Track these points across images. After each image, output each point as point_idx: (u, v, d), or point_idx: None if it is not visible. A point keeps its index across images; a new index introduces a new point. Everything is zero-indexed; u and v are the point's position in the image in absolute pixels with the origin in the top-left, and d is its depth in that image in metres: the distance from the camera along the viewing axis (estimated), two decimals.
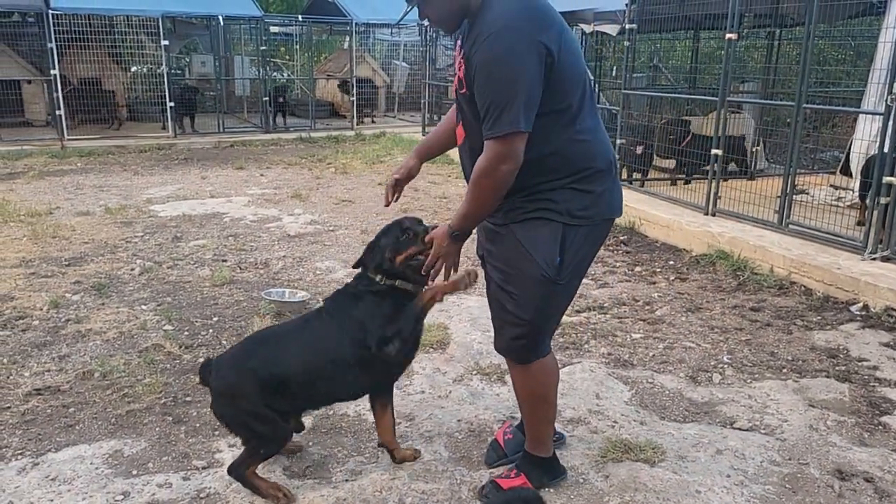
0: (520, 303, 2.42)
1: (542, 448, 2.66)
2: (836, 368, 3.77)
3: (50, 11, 11.11)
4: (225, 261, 5.62)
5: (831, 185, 7.39)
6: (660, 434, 3.08)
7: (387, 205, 2.84)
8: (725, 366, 3.81)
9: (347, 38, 15.92)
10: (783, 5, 7.86)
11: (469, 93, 2.28)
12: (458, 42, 2.42)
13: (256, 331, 2.96)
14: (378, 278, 2.65)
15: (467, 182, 2.39)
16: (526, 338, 2.47)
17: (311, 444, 3.02)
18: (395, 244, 2.64)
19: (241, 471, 2.61)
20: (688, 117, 8.56)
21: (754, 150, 8.28)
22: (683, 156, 7.58)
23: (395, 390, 2.93)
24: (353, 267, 2.79)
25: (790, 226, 5.77)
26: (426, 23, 2.41)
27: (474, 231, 2.48)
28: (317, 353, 2.63)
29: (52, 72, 11.29)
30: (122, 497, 2.66)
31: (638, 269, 5.56)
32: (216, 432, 3.11)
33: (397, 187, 2.81)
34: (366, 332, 2.57)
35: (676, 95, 9.10)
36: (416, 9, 2.31)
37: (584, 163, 2.34)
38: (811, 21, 5.51)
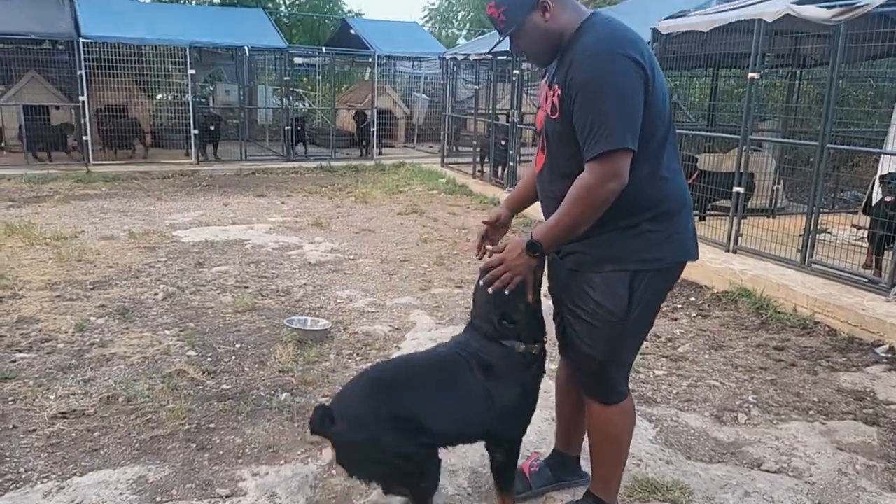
0: (589, 343, 2.40)
1: (606, 492, 2.60)
2: (864, 411, 3.72)
3: (81, 40, 11.39)
4: (247, 287, 5.66)
5: (853, 225, 7.35)
6: (686, 474, 3.05)
7: (479, 256, 2.59)
8: (751, 406, 3.78)
9: (369, 70, 16.18)
10: (804, 46, 7.91)
11: (562, 117, 2.24)
12: (546, 75, 2.42)
13: (374, 368, 2.71)
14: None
15: (542, 205, 2.40)
16: (600, 377, 2.45)
17: (335, 473, 3.01)
18: None
19: None
20: (695, 154, 8.57)
21: (775, 188, 8.28)
22: (691, 191, 7.57)
23: None
24: None
25: (813, 265, 5.74)
26: (518, 54, 2.41)
27: None
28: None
29: (80, 98, 11.53)
30: None
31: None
32: (239, 460, 3.11)
33: (487, 236, 2.64)
34: None
35: (697, 132, 9.12)
36: (507, 40, 2.31)
37: (662, 201, 2.29)
38: (835, 62, 5.55)
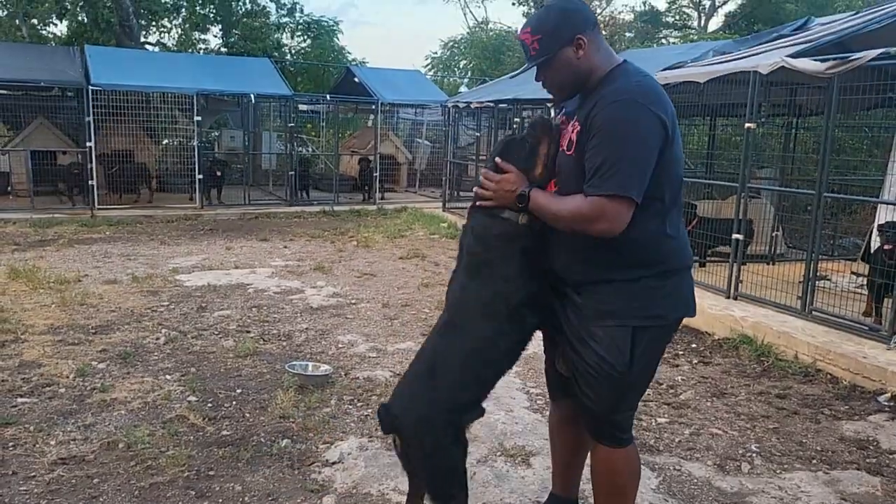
0: (592, 396, 2.41)
1: None
2: (867, 461, 3.70)
3: (90, 87, 11.62)
4: (248, 332, 5.68)
5: (853, 272, 7.39)
6: None
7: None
8: (754, 454, 3.75)
9: (372, 117, 16.44)
10: (799, 97, 8.06)
11: (576, 154, 2.26)
12: (564, 110, 2.47)
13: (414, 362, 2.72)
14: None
15: (553, 271, 2.44)
16: (601, 425, 2.46)
17: None
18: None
19: None
20: (694, 201, 8.66)
21: (773, 235, 8.34)
22: (691, 237, 7.63)
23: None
24: None
25: (814, 312, 5.76)
26: (541, 84, 2.39)
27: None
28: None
29: (87, 144, 11.72)
30: None
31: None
32: None
33: None
34: None
35: (696, 180, 9.22)
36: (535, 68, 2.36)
37: (667, 258, 2.33)
38: (830, 113, 5.66)
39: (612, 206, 2.14)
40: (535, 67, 2.35)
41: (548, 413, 3.02)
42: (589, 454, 2.65)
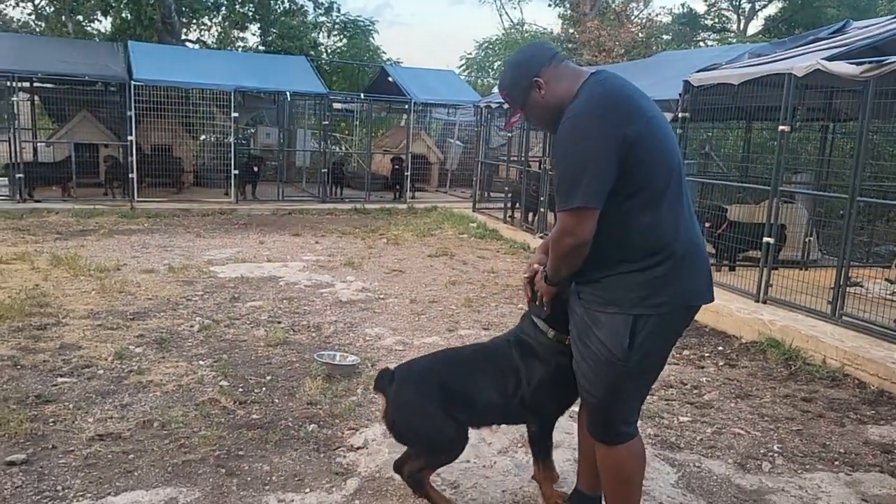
0: (591, 380, 2.48)
1: None
2: (891, 464, 3.68)
3: (132, 83, 11.93)
4: (279, 322, 5.81)
5: (886, 280, 7.28)
6: None
7: (530, 301, 2.88)
8: (775, 454, 3.76)
9: (405, 116, 16.56)
10: (836, 101, 7.97)
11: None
12: None
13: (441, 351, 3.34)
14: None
15: None
16: (602, 417, 2.52)
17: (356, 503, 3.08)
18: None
19: (418, 477, 2.91)
20: (726, 205, 8.60)
21: (807, 240, 8.25)
22: (722, 241, 7.61)
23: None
24: None
25: (844, 317, 5.70)
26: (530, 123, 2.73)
27: None
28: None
29: (129, 138, 12.03)
30: None
31: (686, 352, 5.54)
32: (266, 487, 3.20)
33: (532, 284, 2.82)
34: None
35: (728, 183, 9.17)
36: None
37: (667, 246, 2.36)
38: (865, 117, 5.60)
39: (572, 219, 2.31)
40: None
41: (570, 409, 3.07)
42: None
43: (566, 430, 3.73)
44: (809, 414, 4.35)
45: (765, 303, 6.39)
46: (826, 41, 7.03)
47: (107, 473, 3.27)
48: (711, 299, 2.49)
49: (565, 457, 3.52)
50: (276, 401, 4.20)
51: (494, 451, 3.66)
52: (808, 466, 3.64)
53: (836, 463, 3.69)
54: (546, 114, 2.50)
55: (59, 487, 3.13)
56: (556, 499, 3.04)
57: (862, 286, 6.69)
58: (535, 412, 2.92)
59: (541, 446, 3.03)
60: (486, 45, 31.14)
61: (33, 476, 3.21)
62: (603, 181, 2.27)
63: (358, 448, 3.62)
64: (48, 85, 14.46)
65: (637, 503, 2.65)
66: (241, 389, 4.35)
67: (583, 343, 2.49)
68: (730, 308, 6.19)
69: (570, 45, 24.87)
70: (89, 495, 3.08)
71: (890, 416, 4.35)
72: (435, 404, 2.84)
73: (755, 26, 27.45)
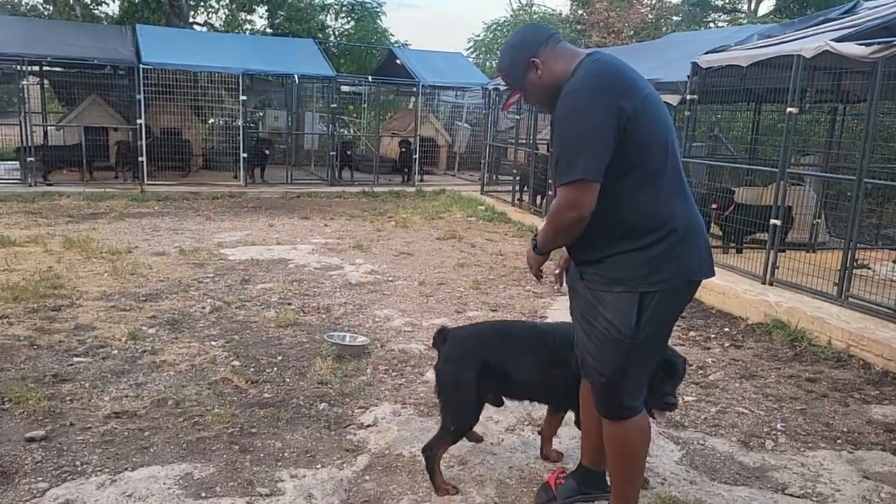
0: (598, 358, 2.53)
1: None
2: (893, 443, 3.73)
3: (141, 66, 11.97)
4: (289, 304, 5.88)
5: (894, 262, 7.28)
6: (710, 494, 3.11)
7: (559, 286, 2.91)
8: (779, 433, 3.81)
9: (413, 99, 16.54)
10: (846, 82, 7.92)
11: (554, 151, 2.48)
12: None
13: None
14: None
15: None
16: (610, 394, 2.57)
17: (367, 479, 3.16)
18: None
19: (433, 451, 3.05)
20: (733, 187, 8.59)
21: (815, 222, 8.25)
22: (728, 223, 7.62)
23: None
24: None
25: (850, 299, 5.73)
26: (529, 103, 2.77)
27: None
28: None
29: (138, 121, 12.09)
30: None
31: (692, 333, 5.59)
32: (279, 463, 3.28)
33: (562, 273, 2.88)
34: None
35: (736, 165, 9.15)
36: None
37: (666, 223, 2.40)
38: (874, 98, 5.59)
39: (573, 192, 2.33)
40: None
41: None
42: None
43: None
44: (813, 394, 4.40)
45: (771, 284, 6.41)
46: (836, 22, 6.98)
47: (123, 449, 3.35)
48: (712, 274, 2.54)
49: (571, 434, 3.58)
50: (288, 380, 4.28)
51: (502, 428, 3.72)
52: (810, 445, 3.69)
53: (839, 441, 3.74)
54: (544, 94, 2.54)
55: (77, 462, 3.22)
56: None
57: (869, 268, 6.69)
58: (571, 401, 3.07)
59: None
60: (495, 26, 30.91)
61: (52, 451, 3.30)
62: (602, 154, 2.30)
63: (368, 426, 3.70)
64: (57, 69, 14.51)
65: (641, 478, 2.72)
66: (252, 369, 4.43)
67: (588, 323, 2.54)
68: (736, 290, 6.22)
69: (578, 27, 24.72)
70: (107, 470, 3.16)
71: (894, 395, 4.39)
72: (470, 371, 3.01)
73: (766, 6, 27.15)
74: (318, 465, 3.28)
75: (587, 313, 2.54)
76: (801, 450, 3.62)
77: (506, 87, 2.70)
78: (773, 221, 6.50)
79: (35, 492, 2.97)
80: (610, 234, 2.42)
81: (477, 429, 3.67)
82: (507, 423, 3.78)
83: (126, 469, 3.18)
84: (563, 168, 2.35)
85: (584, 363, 2.64)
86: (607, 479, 2.95)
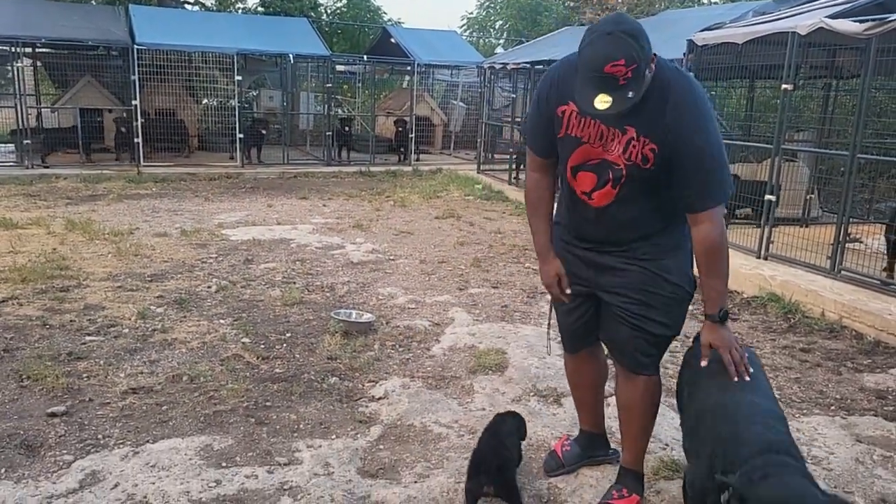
0: (667, 322, 2.63)
1: (640, 465, 2.89)
2: (885, 408, 3.88)
3: (135, 47, 11.93)
4: (294, 283, 5.98)
5: (885, 235, 7.41)
6: None
7: (568, 299, 2.77)
8: None
9: (408, 78, 16.54)
10: (839, 58, 8.01)
11: (655, 167, 2.34)
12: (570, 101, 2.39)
13: None
14: None
15: (591, 229, 2.61)
16: (660, 352, 2.73)
17: (381, 448, 3.28)
18: None
19: None
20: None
21: (808, 197, 8.37)
22: None
23: (458, 407, 3.19)
24: None
25: (842, 272, 5.87)
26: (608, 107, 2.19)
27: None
28: None
29: (133, 102, 12.08)
30: (214, 484, 2.95)
31: (689, 307, 5.69)
32: (295, 434, 3.40)
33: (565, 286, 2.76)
34: None
35: (731, 142, 9.23)
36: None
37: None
38: (867, 74, 5.68)
39: (721, 210, 2.40)
40: (618, 95, 2.15)
41: None
42: (619, 391, 2.87)
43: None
44: (807, 363, 4.54)
45: (766, 259, 6.54)
46: None
47: (143, 423, 3.46)
48: None
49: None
50: (298, 356, 4.39)
51: (508, 399, 3.85)
52: (805, 411, 3.83)
53: (833, 408, 3.88)
54: (642, 94, 2.20)
55: (99, 436, 3.33)
56: None
57: (861, 241, 6.83)
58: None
59: None
60: (488, 3, 30.78)
61: (74, 426, 3.40)
62: None
63: (379, 398, 3.82)
64: (49, 50, 14.42)
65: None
66: (262, 346, 4.53)
67: (649, 295, 2.57)
68: (732, 264, 6.26)
69: (571, 4, 24.61)
70: (129, 443, 3.27)
71: (885, 364, 4.54)
72: None
73: None
74: (333, 436, 3.39)
75: (647, 286, 2.58)
76: (796, 416, 3.76)
77: (624, 81, 2.14)
78: (767, 197, 6.62)
79: (61, 463, 3.08)
80: (665, 215, 2.55)
81: (484, 400, 3.81)
82: (514, 394, 3.90)
83: (147, 441, 3.29)
84: (715, 186, 2.35)
85: (633, 344, 2.65)
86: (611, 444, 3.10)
